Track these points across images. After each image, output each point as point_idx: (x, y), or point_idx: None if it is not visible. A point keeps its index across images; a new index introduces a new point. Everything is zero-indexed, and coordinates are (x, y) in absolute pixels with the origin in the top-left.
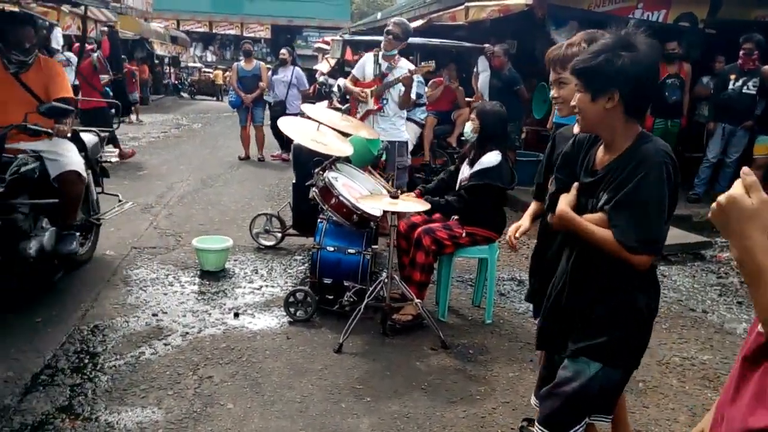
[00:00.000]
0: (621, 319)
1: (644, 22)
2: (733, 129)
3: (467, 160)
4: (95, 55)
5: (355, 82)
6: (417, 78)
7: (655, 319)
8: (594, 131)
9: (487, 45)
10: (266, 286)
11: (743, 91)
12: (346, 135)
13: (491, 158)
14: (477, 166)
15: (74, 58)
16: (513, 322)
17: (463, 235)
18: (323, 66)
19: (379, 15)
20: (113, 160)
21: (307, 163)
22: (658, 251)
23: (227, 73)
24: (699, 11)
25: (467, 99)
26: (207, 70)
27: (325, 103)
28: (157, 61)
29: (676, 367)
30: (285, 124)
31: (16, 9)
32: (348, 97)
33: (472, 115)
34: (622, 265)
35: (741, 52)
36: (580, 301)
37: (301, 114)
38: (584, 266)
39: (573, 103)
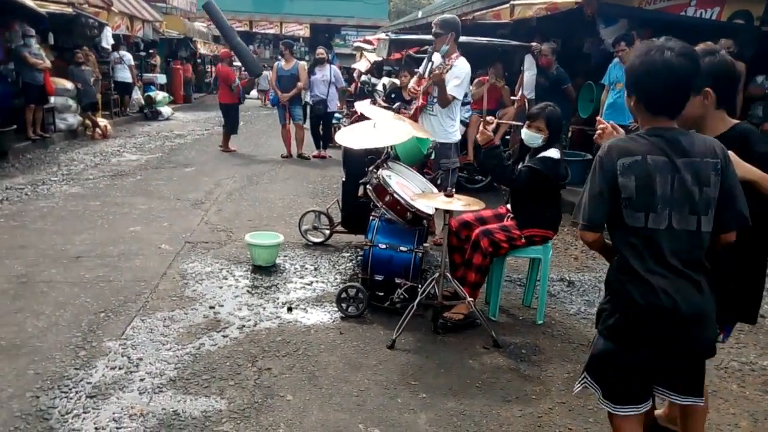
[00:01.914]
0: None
1: (697, 20)
2: None
3: (524, 161)
4: (236, 83)
5: (420, 79)
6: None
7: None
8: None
9: (534, 43)
10: (316, 281)
11: None
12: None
13: (554, 153)
14: (539, 155)
15: (127, 56)
16: (564, 323)
17: (522, 239)
18: (361, 64)
19: (420, 13)
20: None
21: (357, 162)
22: (581, 228)
23: (266, 71)
24: (755, 8)
25: (512, 98)
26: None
27: (368, 101)
28: (199, 60)
29: (735, 372)
30: (343, 137)
31: (69, 9)
32: (393, 95)
33: (541, 125)
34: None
35: None
36: None
37: (349, 113)
38: None
39: None
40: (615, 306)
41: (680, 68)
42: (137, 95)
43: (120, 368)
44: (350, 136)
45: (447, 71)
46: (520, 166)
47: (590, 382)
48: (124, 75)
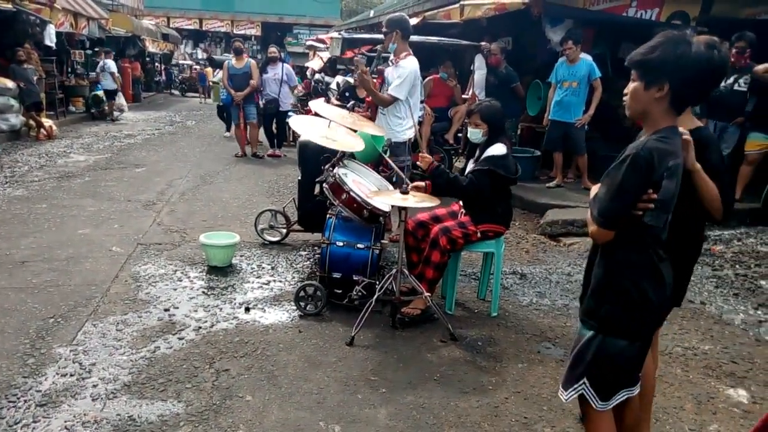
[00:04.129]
0: (606, 294)
1: (638, 20)
2: (725, 125)
3: (473, 158)
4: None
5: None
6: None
7: (658, 306)
8: (639, 117)
9: (483, 43)
10: (274, 281)
11: (734, 88)
12: (352, 131)
13: (498, 149)
14: (484, 155)
15: (108, 63)
16: (518, 314)
17: (478, 234)
18: (315, 63)
19: (371, 12)
20: None
21: (313, 161)
22: (604, 225)
23: (218, 70)
24: (691, 9)
25: (463, 96)
26: (198, 67)
27: (321, 100)
28: (148, 59)
29: (678, 357)
30: (296, 122)
31: (9, 5)
32: (347, 94)
33: (477, 121)
34: (613, 246)
35: (733, 50)
36: (588, 274)
37: (299, 110)
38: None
39: (626, 91)
40: (632, 308)
41: (719, 69)
42: (121, 100)
43: (71, 375)
44: (305, 126)
45: (379, 70)
46: (467, 172)
47: (588, 390)
48: (108, 83)
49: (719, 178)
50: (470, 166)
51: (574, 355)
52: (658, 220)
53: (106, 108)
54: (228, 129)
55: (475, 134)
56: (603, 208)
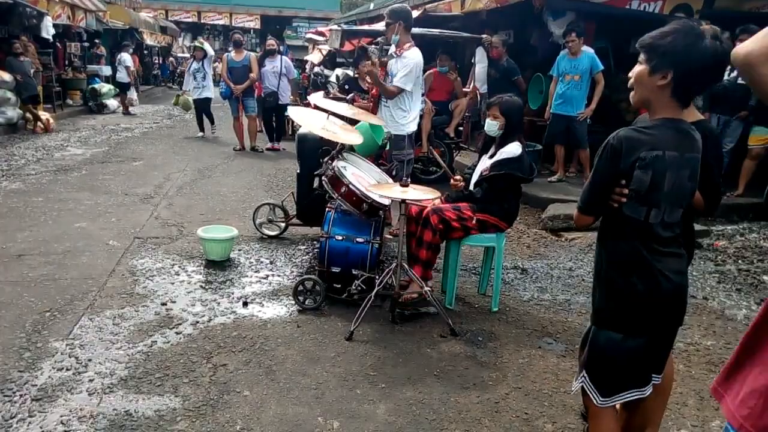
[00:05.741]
0: (598, 286)
1: (640, 13)
2: (728, 119)
3: (487, 154)
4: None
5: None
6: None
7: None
8: (643, 104)
9: (485, 35)
10: (272, 275)
11: (738, 81)
12: (352, 124)
13: (512, 149)
14: (498, 156)
15: (123, 57)
16: (519, 309)
17: (474, 220)
18: (314, 56)
19: (371, 5)
20: None
21: (312, 154)
22: (580, 209)
23: (216, 63)
24: (694, 2)
25: (464, 90)
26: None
27: (321, 93)
28: (146, 51)
29: (681, 353)
30: (295, 113)
31: None
32: (347, 87)
33: (496, 113)
34: (603, 244)
35: (737, 43)
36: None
37: (303, 105)
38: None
39: (631, 74)
40: (619, 300)
41: (723, 61)
42: (133, 95)
43: (67, 369)
44: (303, 116)
45: (383, 62)
46: (481, 172)
47: (588, 383)
48: (123, 76)
49: (713, 173)
50: (483, 162)
51: (582, 347)
52: (636, 211)
53: (127, 101)
54: (202, 129)
55: (491, 126)
56: (582, 193)
